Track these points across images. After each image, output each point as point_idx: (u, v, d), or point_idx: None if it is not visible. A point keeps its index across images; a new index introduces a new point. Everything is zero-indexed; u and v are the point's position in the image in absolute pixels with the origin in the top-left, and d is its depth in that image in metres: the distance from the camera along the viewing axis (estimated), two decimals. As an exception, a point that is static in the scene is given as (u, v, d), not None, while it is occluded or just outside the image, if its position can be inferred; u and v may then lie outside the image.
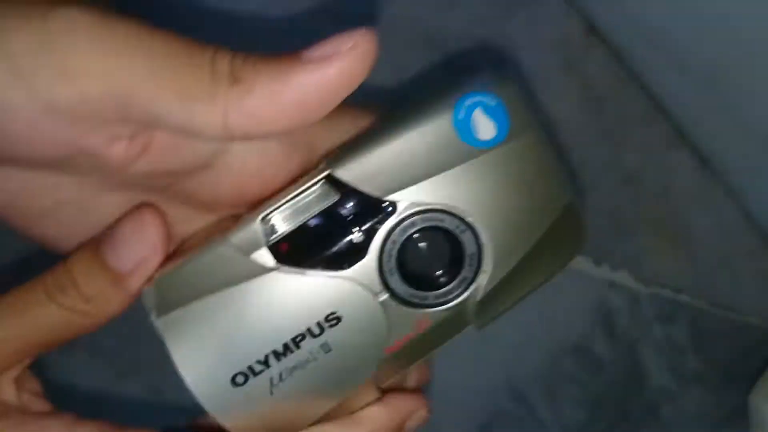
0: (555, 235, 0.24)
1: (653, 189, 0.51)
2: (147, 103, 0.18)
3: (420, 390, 0.27)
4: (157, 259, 0.22)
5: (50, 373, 0.48)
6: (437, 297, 0.23)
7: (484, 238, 0.23)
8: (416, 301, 0.23)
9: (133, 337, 0.46)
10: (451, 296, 0.23)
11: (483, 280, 0.23)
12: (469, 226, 0.23)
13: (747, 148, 0.47)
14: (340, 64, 0.19)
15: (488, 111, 0.22)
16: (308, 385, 0.23)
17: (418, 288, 0.23)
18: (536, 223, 0.23)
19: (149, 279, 0.22)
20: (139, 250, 0.22)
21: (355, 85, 0.19)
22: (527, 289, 0.24)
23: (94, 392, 0.47)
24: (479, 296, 0.24)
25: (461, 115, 0.22)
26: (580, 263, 0.50)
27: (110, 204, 0.22)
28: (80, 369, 0.47)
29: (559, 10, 0.51)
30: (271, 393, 0.22)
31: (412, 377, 0.27)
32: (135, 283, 0.22)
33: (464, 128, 0.22)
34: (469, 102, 0.22)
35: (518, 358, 0.50)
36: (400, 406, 0.25)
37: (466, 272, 0.23)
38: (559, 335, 0.50)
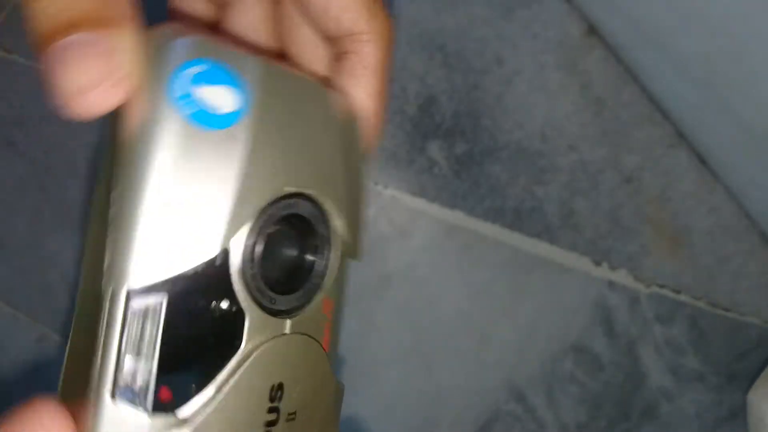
0: (348, 141, 0.22)
1: (653, 189, 0.51)
2: None
3: None
4: None
5: (50, 372, 0.48)
6: (318, 274, 0.22)
7: (314, 196, 0.21)
8: (310, 295, 0.22)
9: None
10: (327, 262, 0.22)
11: (339, 226, 0.22)
12: (297, 195, 0.21)
13: (747, 148, 0.47)
14: None
15: (210, 80, 0.18)
16: None
17: (304, 285, 0.21)
18: (332, 147, 0.22)
19: None
20: None
21: None
22: (364, 196, 0.23)
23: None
24: (345, 238, 0.22)
25: (185, 100, 0.18)
26: (580, 263, 0.50)
27: None
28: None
29: (559, 10, 0.51)
30: None
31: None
32: None
33: (199, 114, 0.18)
34: (182, 83, 0.18)
35: (518, 358, 0.50)
36: None
37: (322, 231, 0.22)
38: (558, 335, 0.50)
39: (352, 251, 0.23)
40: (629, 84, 0.51)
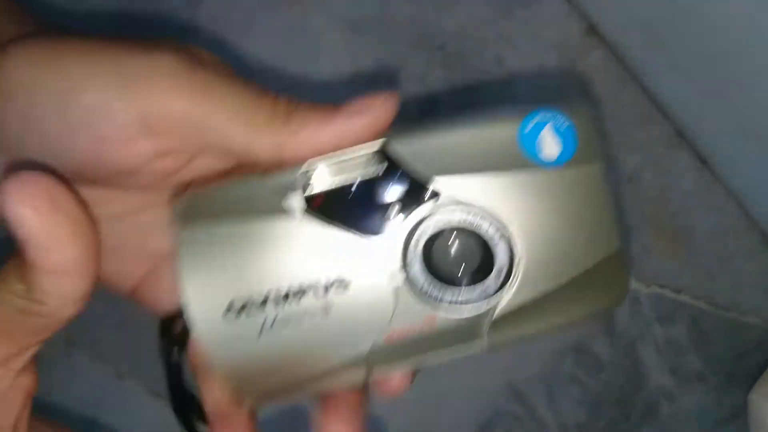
0: (592, 279, 0.23)
1: (653, 189, 0.51)
2: (219, 129, 0.23)
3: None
4: (46, 204, 0.20)
5: (51, 373, 0.48)
6: (453, 299, 0.22)
7: (519, 254, 0.22)
8: (431, 295, 0.22)
9: (133, 337, 0.46)
10: (467, 302, 0.22)
11: (505, 297, 0.22)
12: (506, 237, 0.22)
13: (747, 148, 0.47)
14: (367, 118, 0.23)
15: (557, 131, 0.22)
16: (295, 344, 0.22)
17: (436, 283, 0.22)
18: (576, 259, 0.22)
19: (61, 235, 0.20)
20: (22, 209, 0.20)
21: (377, 132, 0.24)
22: (547, 324, 0.23)
23: (94, 392, 0.47)
24: (496, 313, 0.22)
25: (529, 128, 0.22)
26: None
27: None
28: (80, 369, 0.47)
29: (559, 10, 0.51)
30: (259, 338, 0.22)
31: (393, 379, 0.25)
32: (34, 248, 0.20)
33: (528, 142, 0.22)
34: (539, 118, 0.22)
35: (518, 358, 0.50)
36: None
37: (490, 283, 0.22)
38: (559, 335, 0.50)
39: (492, 336, 0.23)
40: (629, 84, 0.51)
